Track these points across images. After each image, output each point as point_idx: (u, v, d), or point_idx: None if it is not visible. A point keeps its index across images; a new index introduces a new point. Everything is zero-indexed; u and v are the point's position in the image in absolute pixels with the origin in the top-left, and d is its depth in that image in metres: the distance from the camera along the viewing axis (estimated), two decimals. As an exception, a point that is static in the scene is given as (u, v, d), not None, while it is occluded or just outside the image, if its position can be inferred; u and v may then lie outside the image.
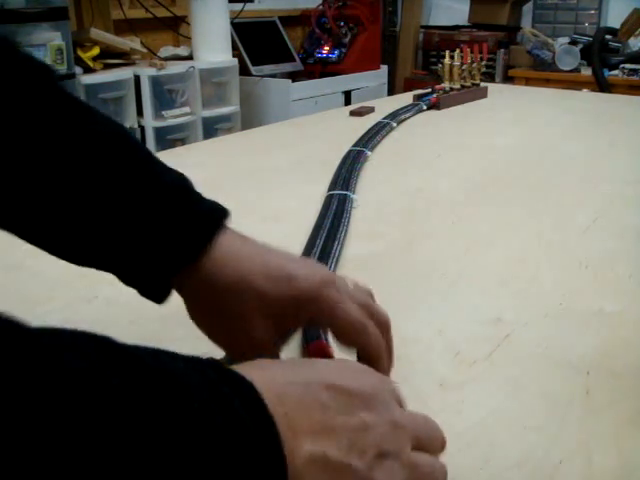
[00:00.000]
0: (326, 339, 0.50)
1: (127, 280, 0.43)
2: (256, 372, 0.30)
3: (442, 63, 1.58)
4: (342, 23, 3.30)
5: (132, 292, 0.63)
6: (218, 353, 0.44)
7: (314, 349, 0.49)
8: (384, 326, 0.44)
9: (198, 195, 0.43)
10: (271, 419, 0.27)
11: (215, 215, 0.42)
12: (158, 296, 0.43)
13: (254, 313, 0.41)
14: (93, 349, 0.25)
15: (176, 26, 3.06)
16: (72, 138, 0.40)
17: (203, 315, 0.43)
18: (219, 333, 0.43)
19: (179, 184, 0.42)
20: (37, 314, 0.58)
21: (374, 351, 0.42)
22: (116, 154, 0.41)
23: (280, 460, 0.27)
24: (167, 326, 0.57)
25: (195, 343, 0.55)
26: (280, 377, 0.31)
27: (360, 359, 0.42)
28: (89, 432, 0.22)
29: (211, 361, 0.30)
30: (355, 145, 1.13)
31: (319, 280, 0.41)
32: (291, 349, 0.53)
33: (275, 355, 0.43)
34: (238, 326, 0.42)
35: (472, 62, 1.60)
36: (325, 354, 0.46)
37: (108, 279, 0.67)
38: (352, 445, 0.30)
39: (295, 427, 0.29)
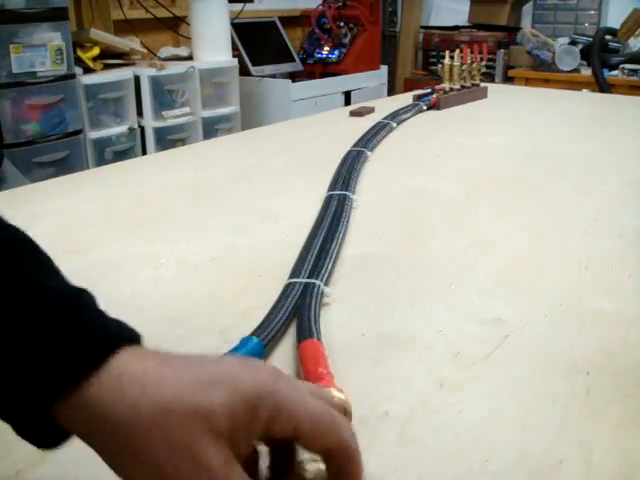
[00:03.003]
0: (318, 338, 0.50)
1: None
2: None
3: (442, 63, 1.58)
4: (342, 23, 3.30)
5: (131, 292, 0.63)
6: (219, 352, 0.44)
7: (305, 348, 0.49)
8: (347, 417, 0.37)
9: (95, 313, 0.34)
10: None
11: (111, 335, 0.33)
12: (37, 435, 0.32)
13: (197, 442, 0.30)
14: None
15: (176, 26, 3.06)
16: None
17: (119, 463, 0.31)
18: None
19: (72, 299, 0.34)
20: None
21: (351, 451, 0.33)
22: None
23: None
24: (167, 326, 0.57)
25: (195, 343, 0.55)
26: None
27: (331, 470, 0.33)
28: None
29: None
30: (355, 145, 1.13)
31: (268, 375, 0.33)
32: (286, 349, 0.53)
33: None
34: (168, 470, 0.30)
35: (472, 62, 1.60)
36: (317, 352, 0.46)
37: (107, 279, 0.67)
38: None
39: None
